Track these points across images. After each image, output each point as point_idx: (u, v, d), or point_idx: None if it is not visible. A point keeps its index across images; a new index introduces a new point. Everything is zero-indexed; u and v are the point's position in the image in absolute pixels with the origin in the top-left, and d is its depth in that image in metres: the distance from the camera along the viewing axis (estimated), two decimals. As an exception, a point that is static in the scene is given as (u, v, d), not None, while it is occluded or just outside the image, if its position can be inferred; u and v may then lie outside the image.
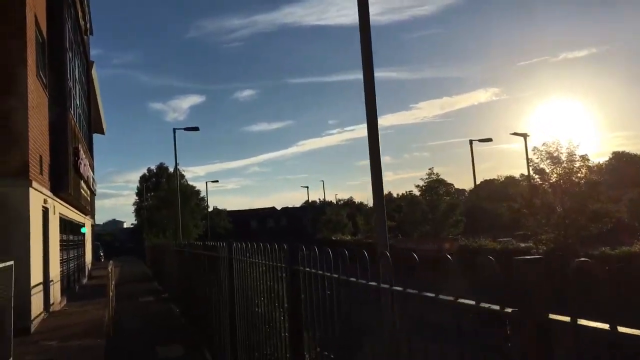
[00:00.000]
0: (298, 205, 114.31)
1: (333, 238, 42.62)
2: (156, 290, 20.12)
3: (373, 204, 6.80)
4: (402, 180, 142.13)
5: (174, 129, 31.51)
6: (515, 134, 23.74)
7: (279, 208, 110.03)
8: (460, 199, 42.35)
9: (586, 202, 22.41)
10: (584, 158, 23.28)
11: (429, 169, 35.49)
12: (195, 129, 32.28)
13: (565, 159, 23.23)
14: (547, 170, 23.49)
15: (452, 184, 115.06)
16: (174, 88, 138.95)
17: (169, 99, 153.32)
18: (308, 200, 65.25)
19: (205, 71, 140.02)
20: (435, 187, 35.02)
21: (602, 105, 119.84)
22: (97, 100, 34.34)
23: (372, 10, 7.67)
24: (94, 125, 36.45)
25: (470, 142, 32.33)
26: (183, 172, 64.01)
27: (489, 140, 32.80)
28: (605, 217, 22.57)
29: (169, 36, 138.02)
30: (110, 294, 13.22)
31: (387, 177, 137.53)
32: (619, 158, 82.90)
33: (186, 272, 11.75)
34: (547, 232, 22.98)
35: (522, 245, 22.71)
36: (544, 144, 24.32)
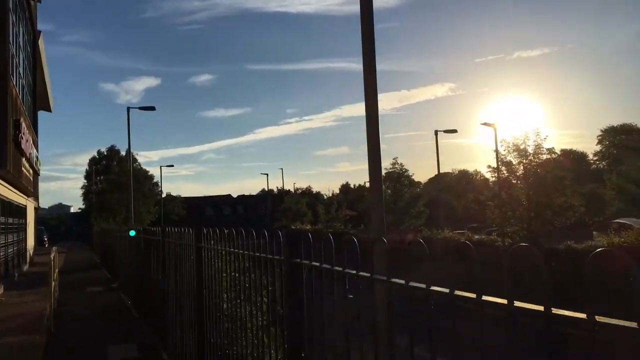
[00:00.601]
0: (254, 193, 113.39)
1: (292, 227, 41.61)
2: (105, 279, 18.64)
3: (370, 189, 5.85)
4: (359, 171, 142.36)
5: (128, 108, 29.79)
6: (485, 124, 23.36)
7: (234, 196, 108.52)
8: (418, 190, 41.87)
9: (552, 196, 22.28)
10: (550, 151, 23.14)
11: (394, 159, 34.99)
12: (151, 108, 30.54)
13: (532, 151, 23.03)
14: (514, 163, 23.25)
15: (409, 176, 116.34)
16: (127, 69, 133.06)
17: (122, 80, 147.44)
18: (268, 187, 63.76)
19: (162, 53, 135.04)
20: (399, 177, 34.51)
21: (551, 103, 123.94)
22: (44, 73, 31.99)
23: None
24: (39, 101, 34.00)
25: (436, 132, 32.00)
26: (136, 156, 61.59)
27: (454, 131, 32.56)
28: (569, 211, 22.54)
29: (124, 15, 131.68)
30: (53, 283, 11.80)
31: (344, 167, 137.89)
32: (567, 155, 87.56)
33: (142, 261, 10.50)
34: (512, 225, 22.78)
35: (485, 237, 22.34)
36: (511, 136, 24.08)
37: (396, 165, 34.91)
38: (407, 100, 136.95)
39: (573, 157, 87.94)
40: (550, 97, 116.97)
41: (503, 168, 24.20)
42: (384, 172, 35.65)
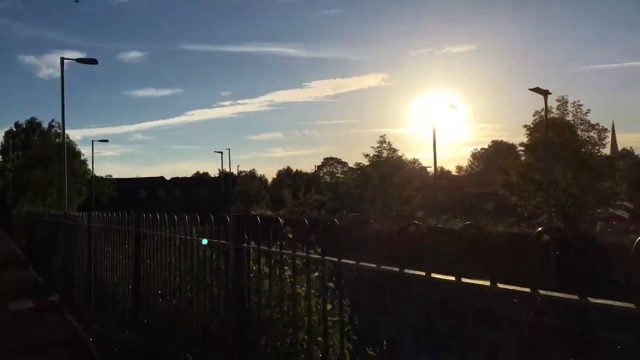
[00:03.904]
0: (188, 175, 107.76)
1: (253, 212, 36.34)
2: (35, 284, 12.95)
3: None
4: (291, 157, 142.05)
5: (62, 58, 23.52)
6: (536, 89, 19.30)
7: (167, 178, 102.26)
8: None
9: (597, 180, 18.70)
10: (596, 127, 19.46)
11: (381, 137, 30.17)
12: (93, 61, 24.44)
13: (577, 126, 19.31)
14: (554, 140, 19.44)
15: (346, 162, 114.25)
16: (50, 42, 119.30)
17: (44, 53, 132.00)
18: (222, 169, 56.64)
19: (89, 27, 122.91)
20: (389, 157, 29.91)
21: (476, 98, 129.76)
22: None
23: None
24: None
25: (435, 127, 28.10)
26: (59, 130, 53.88)
27: (454, 107, 28.90)
28: (615, 198, 19.09)
29: None
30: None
31: (277, 153, 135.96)
32: (497, 147, 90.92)
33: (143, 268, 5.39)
34: (548, 212, 19.05)
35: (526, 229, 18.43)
36: (545, 109, 20.23)
37: (384, 145, 30.29)
38: (342, 89, 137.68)
39: (504, 149, 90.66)
40: (475, 91, 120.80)
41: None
42: (370, 152, 31.14)
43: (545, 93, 18.67)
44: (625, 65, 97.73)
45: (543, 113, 19.52)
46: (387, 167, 29.01)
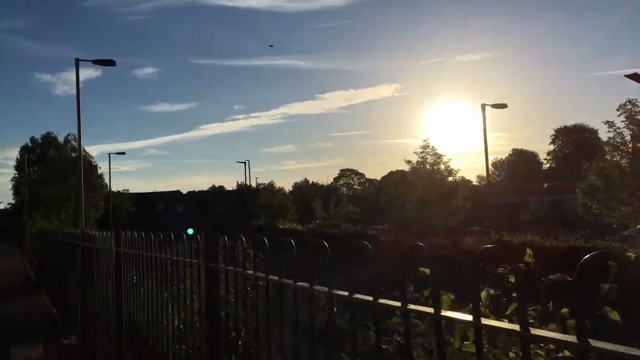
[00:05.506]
0: (204, 189, 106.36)
1: (280, 226, 33.91)
2: (48, 318, 10.62)
3: None
4: (305, 169, 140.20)
5: (77, 59, 21.58)
6: (633, 75, 16.70)
7: (184, 192, 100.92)
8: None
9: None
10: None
11: (424, 141, 27.30)
12: (111, 62, 22.29)
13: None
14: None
15: (364, 174, 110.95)
16: (65, 59, 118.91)
17: (60, 70, 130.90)
18: (244, 181, 53.17)
19: (102, 44, 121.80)
20: (436, 163, 27.07)
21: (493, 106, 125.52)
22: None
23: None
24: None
25: (483, 106, 25.65)
26: (75, 144, 52.04)
27: (504, 105, 26.43)
28: None
29: (62, 2, 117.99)
30: None
31: (291, 165, 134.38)
32: (518, 155, 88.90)
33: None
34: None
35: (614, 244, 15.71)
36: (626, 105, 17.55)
37: (427, 150, 27.48)
38: (354, 100, 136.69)
39: (525, 157, 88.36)
40: (487, 100, 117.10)
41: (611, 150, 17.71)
42: (414, 157, 28.48)
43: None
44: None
45: (629, 106, 16.92)
46: (433, 175, 26.32)
